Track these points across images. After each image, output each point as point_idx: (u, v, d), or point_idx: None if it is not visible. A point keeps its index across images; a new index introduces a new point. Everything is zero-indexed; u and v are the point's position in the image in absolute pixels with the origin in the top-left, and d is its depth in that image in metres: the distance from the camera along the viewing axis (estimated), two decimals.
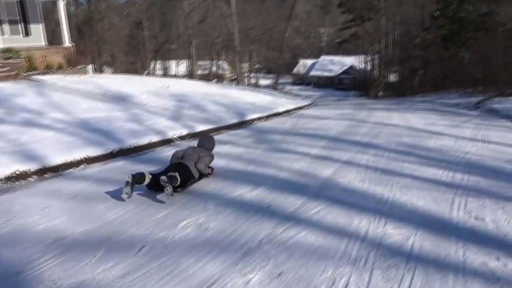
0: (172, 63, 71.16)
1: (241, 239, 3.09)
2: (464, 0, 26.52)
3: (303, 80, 75.39)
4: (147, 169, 4.79)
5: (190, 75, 56.37)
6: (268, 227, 3.29)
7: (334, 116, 11.72)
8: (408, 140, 6.97)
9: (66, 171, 5.19)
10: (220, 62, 67.67)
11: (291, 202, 3.84)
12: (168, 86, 15.14)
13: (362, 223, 3.30)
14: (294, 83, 75.34)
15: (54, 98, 9.77)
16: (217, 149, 5.33)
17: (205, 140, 5.23)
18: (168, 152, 6.30)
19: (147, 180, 4.04)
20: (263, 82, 63.55)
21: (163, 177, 3.84)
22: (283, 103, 16.10)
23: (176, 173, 4.00)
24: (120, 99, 11.28)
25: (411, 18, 40.48)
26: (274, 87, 38.96)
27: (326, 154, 5.84)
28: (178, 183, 3.98)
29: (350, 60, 66.94)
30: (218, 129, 9.11)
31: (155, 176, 4.03)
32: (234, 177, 4.74)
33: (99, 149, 6.18)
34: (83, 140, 6.34)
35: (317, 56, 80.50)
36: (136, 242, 3.08)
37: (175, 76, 61.88)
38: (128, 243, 3.08)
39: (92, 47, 34.64)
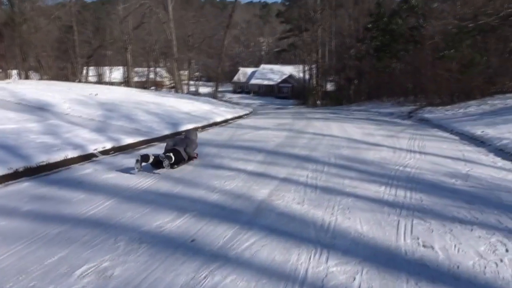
0: (107, 70, 68.05)
1: None
2: (394, 14, 27.90)
3: (244, 89, 75.62)
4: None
5: (126, 82, 54.13)
6: (189, 270, 2.67)
7: (273, 126, 11.38)
8: (347, 152, 6.72)
9: None
10: (158, 69, 65.79)
11: (220, 234, 3.25)
12: (97, 94, 13.96)
13: (301, 259, 2.79)
14: (234, 91, 75.32)
15: None
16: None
17: (190, 132, 6.95)
18: (87, 170, 5.49)
19: (151, 159, 5.32)
20: (203, 90, 62.68)
21: (162, 155, 5.37)
22: (222, 112, 15.55)
23: (171, 153, 5.49)
24: (37, 108, 10.05)
25: (347, 30, 42.10)
26: (213, 95, 38.35)
27: (263, 170, 5.34)
28: (173, 161, 5.39)
29: (289, 69, 68.34)
30: (148, 142, 8.33)
31: (156, 156, 5.38)
32: (156, 201, 4.06)
33: None
34: None
35: (257, 65, 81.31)
36: None
37: (108, 83, 59.06)
38: None
39: (15, 51, 31.75)
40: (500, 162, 6.14)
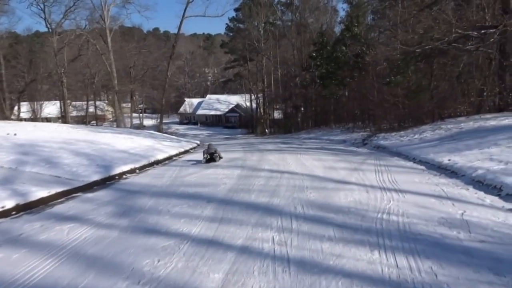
0: (42, 105, 63.87)
1: None
2: (338, 42, 28.26)
3: (190, 119, 74.20)
4: None
5: (62, 117, 50.58)
6: None
7: (223, 162, 10.09)
8: (315, 196, 5.57)
9: None
10: (98, 103, 62.54)
11: None
12: (15, 134, 11.97)
13: None
14: (181, 123, 73.64)
15: None
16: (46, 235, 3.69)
17: (212, 146, 10.82)
18: None
19: (205, 157, 9.99)
20: (148, 122, 60.25)
21: (215, 155, 10.05)
22: (165, 148, 14.03)
23: (215, 154, 10.07)
24: None
25: (291, 59, 42.49)
26: (158, 127, 36.49)
27: (213, 235, 3.99)
28: (218, 158, 10.08)
29: (235, 99, 68.05)
30: (69, 193, 6.68)
31: (210, 156, 10.01)
32: None
33: None
34: None
35: (203, 95, 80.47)
36: None
37: (42, 119, 55.12)
38: None
39: None
40: (487, 198, 5.29)
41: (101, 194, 6.57)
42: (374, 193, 5.71)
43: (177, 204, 5.36)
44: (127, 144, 13.33)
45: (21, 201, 5.83)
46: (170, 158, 11.99)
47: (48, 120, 66.93)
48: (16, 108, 52.27)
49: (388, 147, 12.29)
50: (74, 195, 6.63)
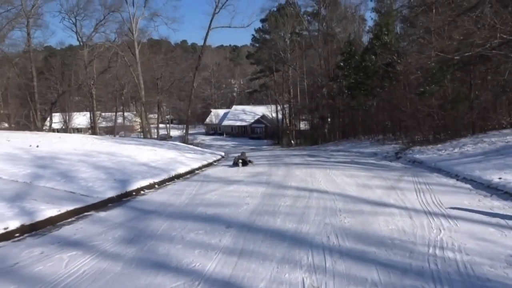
0: (73, 116, 65.62)
1: None
2: (366, 51, 27.36)
3: (216, 130, 74.36)
4: None
5: (92, 128, 51.53)
6: None
7: (247, 177, 9.49)
8: (350, 222, 4.85)
9: None
10: (127, 114, 63.61)
11: None
12: (38, 146, 11.81)
13: None
14: (207, 133, 73.88)
15: None
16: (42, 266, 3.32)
17: (244, 154, 13.95)
18: None
19: (240, 162, 12.60)
20: (175, 133, 60.63)
21: (246, 161, 12.79)
22: (188, 161, 13.56)
23: (247, 159, 12.88)
24: None
25: (317, 69, 41.74)
26: (184, 138, 36.41)
27: (229, 274, 3.34)
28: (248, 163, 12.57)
29: (261, 110, 67.69)
30: (80, 211, 6.22)
31: (243, 161, 12.66)
32: None
33: None
34: None
35: (229, 106, 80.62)
36: None
37: (73, 129, 56.44)
38: None
39: None
40: None
41: (113, 214, 6.06)
42: (419, 219, 4.93)
43: (193, 229, 4.76)
44: (149, 157, 12.96)
45: (27, 221, 5.39)
46: (192, 172, 11.50)
47: (78, 130, 68.71)
48: (48, 119, 53.79)
49: (425, 162, 11.34)
50: (85, 213, 6.16)
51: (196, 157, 15.27)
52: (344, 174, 9.38)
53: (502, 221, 4.79)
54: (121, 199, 7.30)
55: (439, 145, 13.47)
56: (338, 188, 7.37)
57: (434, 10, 18.78)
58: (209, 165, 14.13)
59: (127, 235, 4.75)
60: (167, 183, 9.19)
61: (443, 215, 5.10)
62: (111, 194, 7.42)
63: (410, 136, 19.18)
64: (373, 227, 4.56)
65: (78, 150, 12.46)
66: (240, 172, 10.78)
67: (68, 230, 5.16)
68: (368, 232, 4.37)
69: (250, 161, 12.96)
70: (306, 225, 4.72)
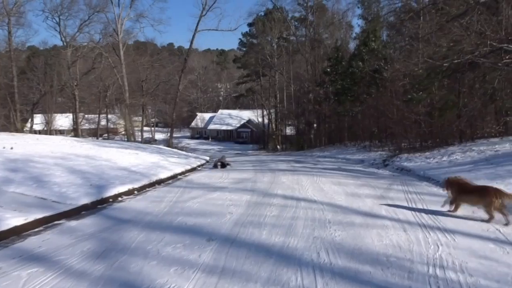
0: (56, 117, 64.20)
1: None
2: (354, 57, 27.32)
3: (202, 134, 73.77)
4: None
5: (74, 130, 50.39)
6: None
7: (231, 183, 9.09)
8: (341, 236, 4.50)
9: None
10: (110, 116, 62.41)
11: None
12: (12, 148, 11.18)
13: None
14: (192, 137, 73.21)
15: None
16: None
17: (223, 157, 16.81)
18: None
19: (219, 165, 14.47)
20: (160, 136, 59.77)
21: (225, 163, 14.54)
22: (170, 165, 13.08)
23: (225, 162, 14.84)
24: None
25: (304, 75, 41.68)
26: (168, 142, 35.79)
27: None
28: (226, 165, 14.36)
29: (247, 114, 67.41)
30: (50, 219, 5.73)
31: (222, 163, 14.43)
32: None
33: None
34: None
35: (215, 110, 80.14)
36: None
37: (50, 132, 55.04)
38: None
39: None
40: None
41: (85, 223, 5.59)
42: (414, 232, 4.62)
43: (170, 242, 4.34)
44: (130, 161, 12.44)
45: None
46: (174, 177, 11.04)
47: (61, 132, 67.14)
48: (30, 120, 52.36)
49: (414, 170, 11.14)
50: (55, 222, 5.67)
51: (180, 162, 14.80)
52: (332, 182, 9.06)
53: (500, 235, 4.51)
54: (96, 206, 6.81)
55: (427, 153, 13.31)
56: (327, 197, 7.04)
57: (421, 17, 18.80)
58: (192, 170, 13.69)
59: (97, 248, 4.30)
60: (147, 189, 8.72)
61: (439, 229, 4.80)
62: (85, 200, 6.92)
63: (396, 143, 19.08)
64: (366, 242, 4.22)
65: (56, 152, 11.86)
66: (225, 178, 10.37)
67: (33, 242, 4.67)
68: (361, 248, 4.02)
69: (228, 164, 14.84)
70: (294, 239, 4.34)
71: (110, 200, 7.28)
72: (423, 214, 5.60)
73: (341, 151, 24.55)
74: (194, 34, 33.94)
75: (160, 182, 9.81)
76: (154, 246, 4.24)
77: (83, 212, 6.40)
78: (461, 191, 5.63)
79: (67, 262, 3.88)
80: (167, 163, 13.44)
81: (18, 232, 5.17)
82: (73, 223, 5.67)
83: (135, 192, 8.20)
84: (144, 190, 8.42)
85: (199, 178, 10.79)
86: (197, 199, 7.03)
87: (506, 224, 4.90)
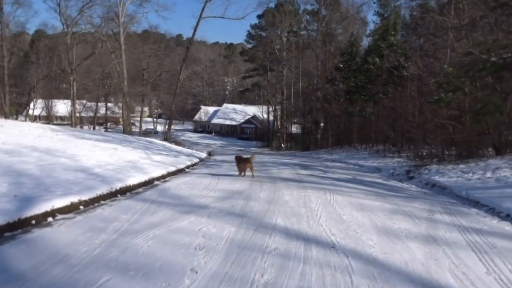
0: (53, 103, 62.27)
1: None
2: (369, 53, 24.85)
3: (205, 128, 71.69)
4: None
5: (71, 117, 48.28)
6: None
7: (216, 199, 6.78)
8: None
9: None
10: (111, 105, 60.23)
11: None
12: None
13: None
14: (195, 131, 71.16)
15: None
16: None
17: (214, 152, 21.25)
18: None
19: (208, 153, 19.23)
20: (162, 128, 57.48)
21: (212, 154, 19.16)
22: (150, 166, 10.77)
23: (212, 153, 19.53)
24: None
25: (314, 71, 39.24)
26: (166, 135, 33.58)
27: None
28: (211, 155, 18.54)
29: (252, 110, 65.16)
30: None
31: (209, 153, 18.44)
32: None
33: None
34: None
35: (220, 104, 77.96)
36: None
37: (48, 117, 53.06)
38: None
39: None
40: None
41: None
42: None
43: None
44: (100, 158, 10.19)
45: None
46: (148, 183, 8.75)
47: (61, 119, 65.14)
48: (30, 105, 50.44)
49: (452, 188, 8.78)
50: None
51: (165, 161, 12.54)
52: (351, 204, 6.74)
53: None
54: (3, 233, 4.53)
55: (462, 165, 10.94)
56: (349, 235, 4.72)
57: (453, 7, 16.35)
58: (178, 172, 11.43)
59: None
60: (101, 202, 6.42)
61: None
62: None
63: (416, 149, 16.71)
64: None
65: (8, 143, 9.65)
66: (211, 188, 8.08)
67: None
68: None
69: (211, 154, 17.40)
70: None
71: (32, 222, 4.97)
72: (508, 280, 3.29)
73: (351, 154, 22.18)
74: (199, 21, 31.64)
75: (125, 191, 7.52)
76: None
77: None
78: None
79: None
80: (147, 163, 11.17)
81: None
82: None
83: (80, 207, 5.90)
84: (94, 205, 6.11)
85: (179, 186, 8.50)
86: (157, 230, 4.72)
87: None
